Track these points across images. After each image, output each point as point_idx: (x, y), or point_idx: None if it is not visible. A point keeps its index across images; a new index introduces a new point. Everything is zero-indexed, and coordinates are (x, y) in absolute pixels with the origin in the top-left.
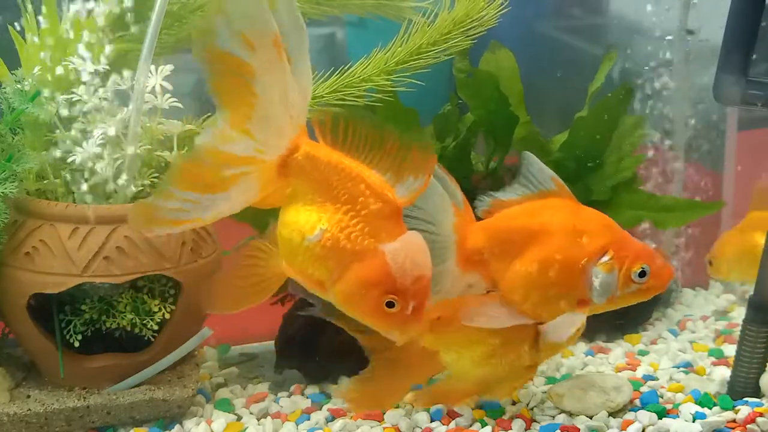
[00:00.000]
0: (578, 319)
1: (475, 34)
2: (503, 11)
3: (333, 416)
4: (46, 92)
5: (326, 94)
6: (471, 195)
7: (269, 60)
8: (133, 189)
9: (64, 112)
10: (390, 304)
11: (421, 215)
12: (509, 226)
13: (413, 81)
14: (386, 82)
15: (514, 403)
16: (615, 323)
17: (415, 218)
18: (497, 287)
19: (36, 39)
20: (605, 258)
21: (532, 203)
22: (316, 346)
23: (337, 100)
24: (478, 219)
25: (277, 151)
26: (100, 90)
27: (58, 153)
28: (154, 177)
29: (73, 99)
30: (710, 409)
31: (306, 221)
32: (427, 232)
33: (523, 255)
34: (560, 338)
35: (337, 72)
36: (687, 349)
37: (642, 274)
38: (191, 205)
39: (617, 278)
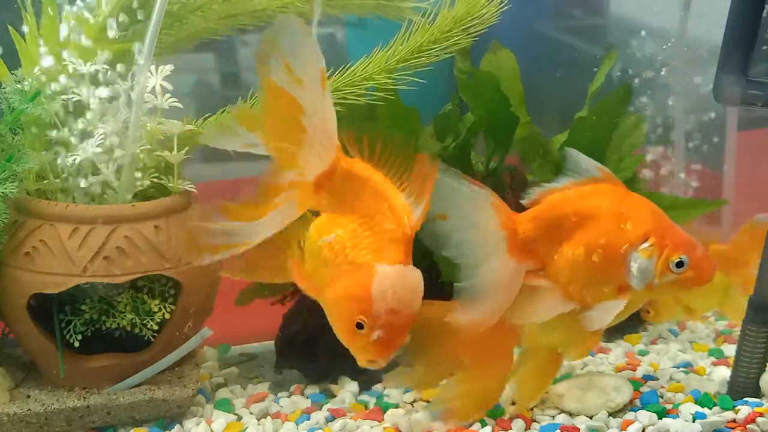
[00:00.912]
0: (618, 307)
1: (475, 32)
2: (504, 9)
3: (333, 416)
4: (47, 91)
5: None
6: None
7: (317, 95)
8: (133, 189)
9: (64, 113)
10: (359, 325)
11: (462, 219)
12: (558, 213)
13: (414, 80)
14: (387, 81)
15: (513, 403)
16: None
17: (458, 222)
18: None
19: (36, 39)
20: (645, 244)
21: (579, 189)
22: (316, 346)
23: (338, 99)
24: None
25: (316, 172)
26: (100, 90)
27: (57, 153)
28: (154, 177)
29: (73, 99)
30: (710, 409)
31: (327, 225)
32: (474, 233)
33: (570, 239)
34: (601, 325)
35: (339, 71)
36: (687, 349)
37: (680, 264)
38: (239, 232)
39: (655, 265)
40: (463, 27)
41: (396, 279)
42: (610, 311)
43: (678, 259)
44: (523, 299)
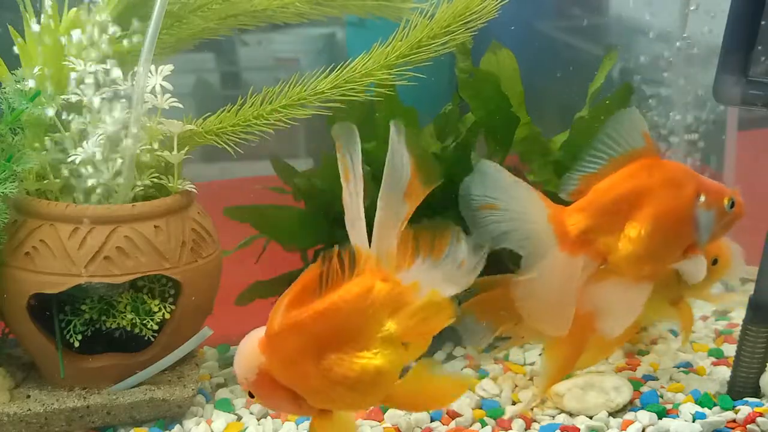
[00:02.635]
0: (703, 261)
1: (474, 27)
2: (503, 3)
3: None
4: (47, 91)
5: (327, 90)
6: None
7: None
8: (133, 189)
9: (64, 113)
10: None
11: (513, 215)
12: (611, 198)
13: (415, 75)
14: (387, 77)
15: (514, 403)
16: None
17: (509, 219)
18: (607, 262)
19: (36, 39)
20: (701, 198)
21: (622, 171)
22: None
23: (338, 95)
24: (566, 202)
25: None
26: (100, 90)
27: (58, 153)
28: (154, 177)
29: (73, 99)
30: (710, 409)
31: None
32: (524, 227)
33: (633, 219)
34: (701, 276)
35: (338, 67)
36: (687, 349)
37: (732, 204)
38: None
39: (715, 214)
40: (462, 22)
41: (248, 340)
42: (700, 263)
43: (730, 201)
44: (612, 311)
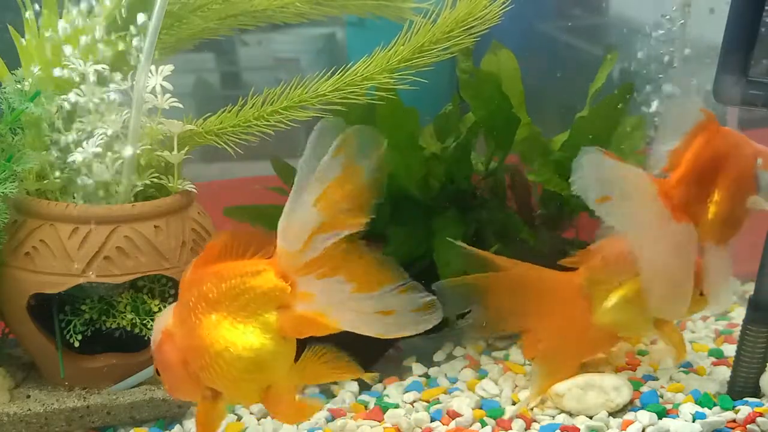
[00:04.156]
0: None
1: (477, 32)
2: (505, 9)
3: (333, 416)
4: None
5: (328, 92)
6: (471, 195)
7: None
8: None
9: (64, 113)
10: None
11: (626, 201)
12: (699, 169)
13: (416, 79)
14: (389, 81)
15: (514, 403)
16: None
17: (624, 206)
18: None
19: (36, 38)
20: (760, 161)
21: (699, 142)
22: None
23: (339, 98)
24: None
25: None
26: (100, 90)
27: (57, 153)
28: (154, 177)
29: (73, 99)
30: (710, 409)
31: None
32: (637, 208)
33: (717, 187)
34: (719, 277)
35: (340, 70)
36: (687, 349)
37: None
38: None
39: None
40: (464, 27)
41: None
42: (725, 258)
43: None
44: (718, 277)
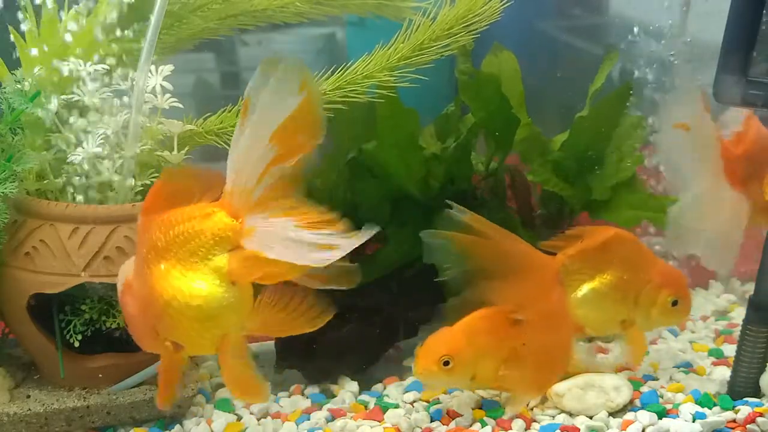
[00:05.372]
0: None
1: (476, 30)
2: (505, 5)
3: (333, 416)
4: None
5: (329, 91)
6: (471, 195)
7: None
8: (134, 189)
9: (64, 112)
10: None
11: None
12: (760, 147)
13: (416, 77)
14: (389, 79)
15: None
16: None
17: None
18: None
19: (35, 39)
20: None
21: (753, 126)
22: (316, 346)
23: (340, 97)
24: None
25: None
26: (100, 90)
27: (58, 153)
28: (154, 177)
29: (73, 99)
30: (710, 409)
31: None
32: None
33: None
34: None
35: (340, 69)
36: (687, 349)
37: None
38: None
39: None
40: (464, 24)
41: None
42: None
43: None
44: None
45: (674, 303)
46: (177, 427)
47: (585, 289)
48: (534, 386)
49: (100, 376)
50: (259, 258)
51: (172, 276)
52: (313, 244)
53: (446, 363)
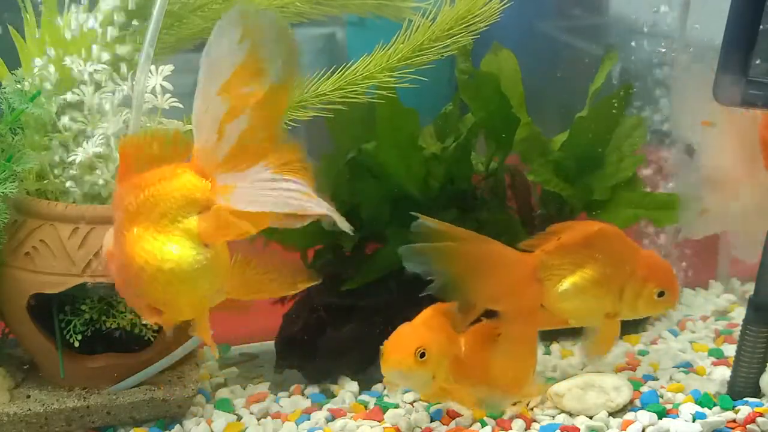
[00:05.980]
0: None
1: (476, 30)
2: (505, 5)
3: (333, 416)
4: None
5: (329, 91)
6: (471, 196)
7: None
8: None
9: (64, 112)
10: None
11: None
12: None
13: (416, 78)
14: (389, 79)
15: (514, 403)
16: None
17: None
18: None
19: (35, 39)
20: None
21: None
22: (316, 346)
23: (340, 97)
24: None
25: None
26: (100, 90)
27: (58, 153)
28: None
29: (73, 99)
30: (710, 409)
31: None
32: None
33: None
34: None
35: (340, 69)
36: (687, 349)
37: None
38: None
39: None
40: (464, 24)
41: None
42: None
43: None
44: None
45: (660, 294)
46: (177, 427)
47: (566, 283)
48: (510, 384)
49: (105, 370)
50: (230, 217)
51: (144, 240)
52: (290, 190)
53: (422, 355)
